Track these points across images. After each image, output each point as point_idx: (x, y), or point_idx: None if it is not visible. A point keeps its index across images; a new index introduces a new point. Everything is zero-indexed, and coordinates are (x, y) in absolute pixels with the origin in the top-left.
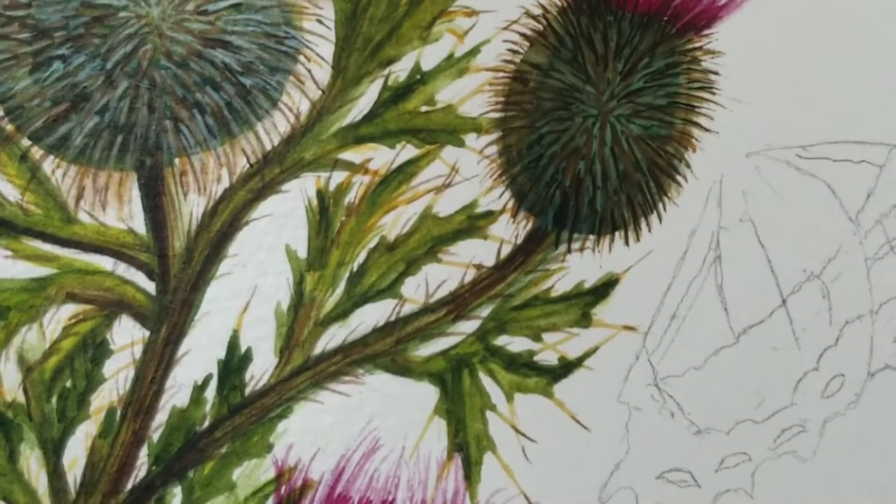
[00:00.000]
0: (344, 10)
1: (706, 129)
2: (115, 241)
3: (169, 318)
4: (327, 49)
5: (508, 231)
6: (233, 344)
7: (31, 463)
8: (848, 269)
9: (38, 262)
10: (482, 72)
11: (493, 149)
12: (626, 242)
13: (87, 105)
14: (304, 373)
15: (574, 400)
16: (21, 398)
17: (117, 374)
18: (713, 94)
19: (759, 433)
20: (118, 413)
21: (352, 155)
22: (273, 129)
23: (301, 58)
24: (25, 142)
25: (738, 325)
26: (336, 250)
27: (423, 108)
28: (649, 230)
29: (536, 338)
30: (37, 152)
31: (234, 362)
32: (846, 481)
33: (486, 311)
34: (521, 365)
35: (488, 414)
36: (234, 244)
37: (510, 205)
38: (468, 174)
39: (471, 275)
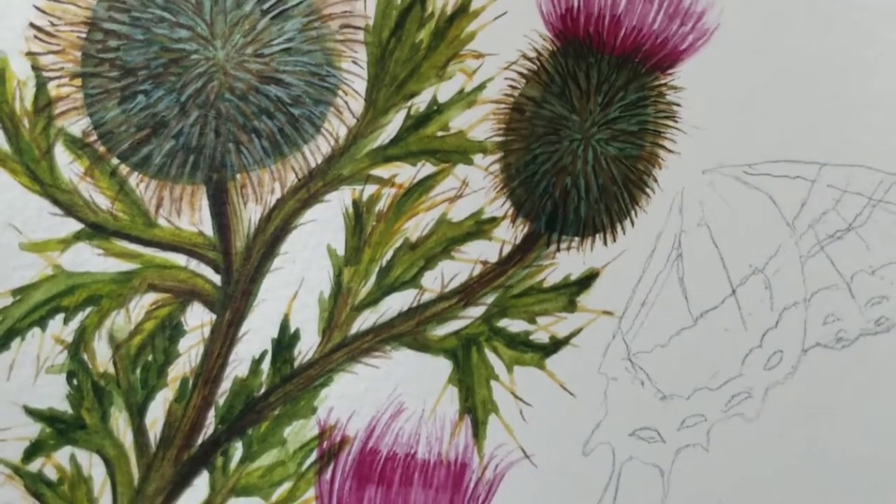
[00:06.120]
0: (374, 53)
1: (670, 151)
2: (188, 241)
3: (232, 305)
4: (361, 85)
5: (509, 233)
6: (284, 326)
7: (120, 423)
8: (785, 265)
9: (125, 258)
10: (487, 104)
11: (496, 166)
12: (605, 243)
13: (165, 130)
14: (342, 349)
15: (562, 371)
16: (111, 370)
17: (189, 351)
18: (676, 121)
19: (713, 399)
20: (190, 382)
21: (381, 171)
22: (317, 150)
23: (340, 92)
24: (115, 161)
25: (696, 310)
26: (368, 249)
27: (440, 133)
28: (623, 233)
29: (531, 321)
30: (124, 169)
31: (285, 341)
32: (784, 438)
33: (490, 299)
34: (519, 343)
35: (492, 383)
36: (284, 244)
37: (510, 212)
38: (476, 187)
39: (478, 269)
